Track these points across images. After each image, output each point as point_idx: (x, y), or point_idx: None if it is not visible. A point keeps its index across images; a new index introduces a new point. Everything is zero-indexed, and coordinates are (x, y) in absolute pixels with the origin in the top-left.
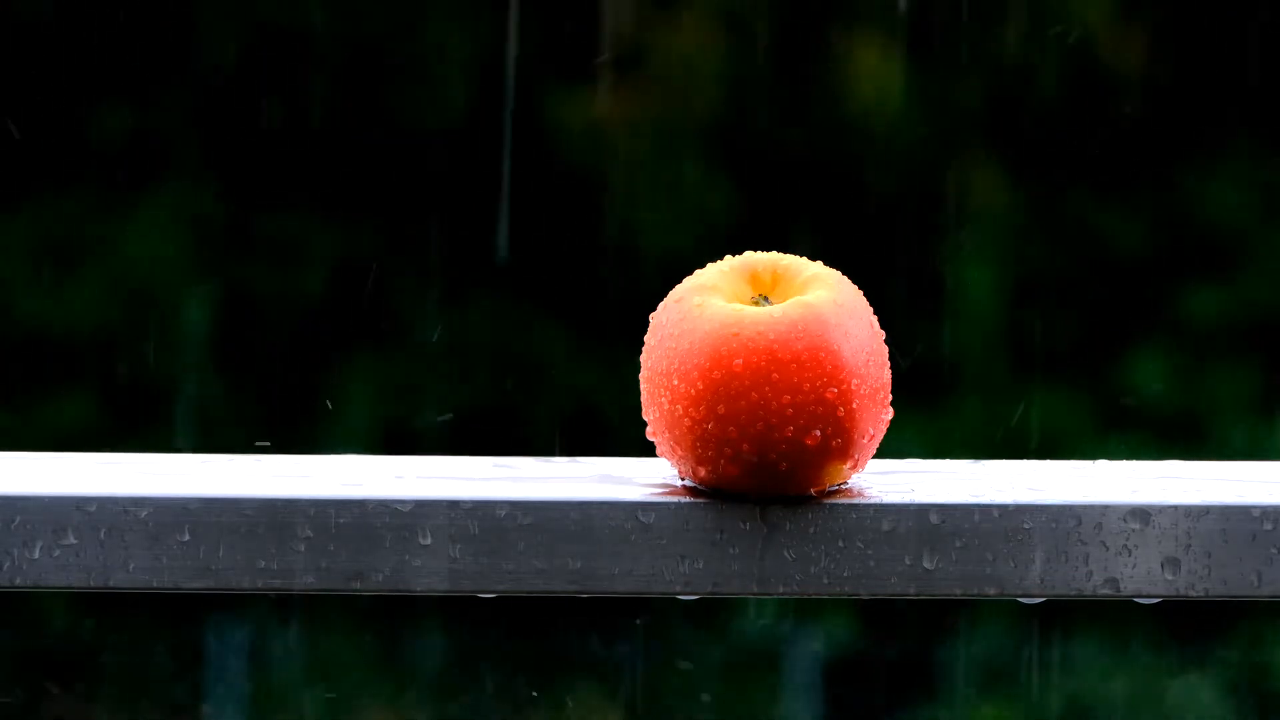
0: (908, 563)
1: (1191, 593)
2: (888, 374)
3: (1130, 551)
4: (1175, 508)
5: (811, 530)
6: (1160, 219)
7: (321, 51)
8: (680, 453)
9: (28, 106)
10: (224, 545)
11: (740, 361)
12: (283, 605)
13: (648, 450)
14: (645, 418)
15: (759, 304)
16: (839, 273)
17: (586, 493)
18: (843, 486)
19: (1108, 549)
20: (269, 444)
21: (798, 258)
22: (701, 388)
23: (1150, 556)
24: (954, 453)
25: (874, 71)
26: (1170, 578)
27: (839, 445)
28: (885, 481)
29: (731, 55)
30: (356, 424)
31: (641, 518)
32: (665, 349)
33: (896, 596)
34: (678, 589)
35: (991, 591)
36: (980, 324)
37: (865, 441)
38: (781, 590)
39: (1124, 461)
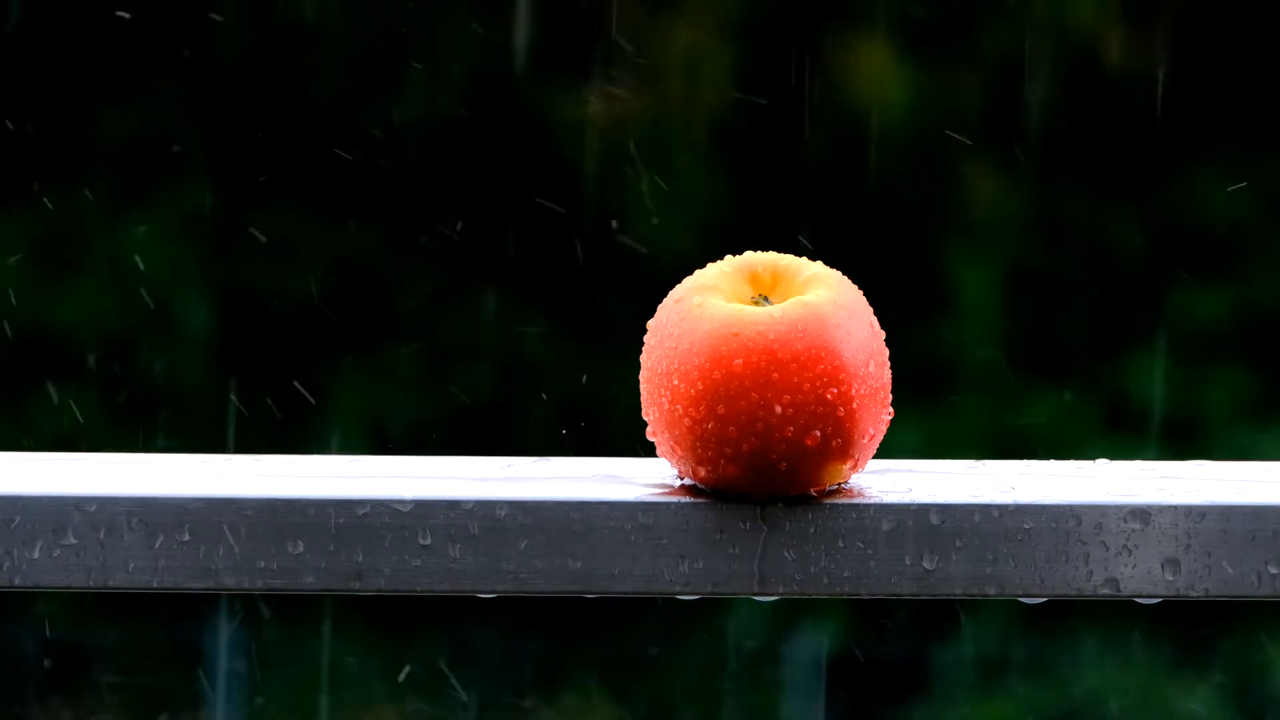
0: (908, 563)
1: (1191, 593)
2: (888, 374)
3: (1130, 551)
4: (1175, 508)
5: (811, 530)
6: (1160, 219)
7: (322, 52)
8: (680, 453)
9: (30, 107)
10: (224, 545)
11: (740, 361)
12: (282, 605)
13: (648, 450)
14: (645, 418)
15: (759, 304)
16: (839, 273)
17: (586, 493)
18: (843, 486)
19: (1108, 549)
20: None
21: (798, 258)
22: (701, 388)
23: (1150, 556)
24: (954, 453)
25: (874, 71)
26: (1170, 578)
27: (839, 445)
28: (885, 481)
29: (731, 55)
30: (355, 424)
31: (641, 518)
32: (665, 349)
33: (896, 596)
34: (678, 589)
35: (991, 591)
36: (980, 323)
37: (865, 442)
38: (781, 590)
39: (1124, 461)
